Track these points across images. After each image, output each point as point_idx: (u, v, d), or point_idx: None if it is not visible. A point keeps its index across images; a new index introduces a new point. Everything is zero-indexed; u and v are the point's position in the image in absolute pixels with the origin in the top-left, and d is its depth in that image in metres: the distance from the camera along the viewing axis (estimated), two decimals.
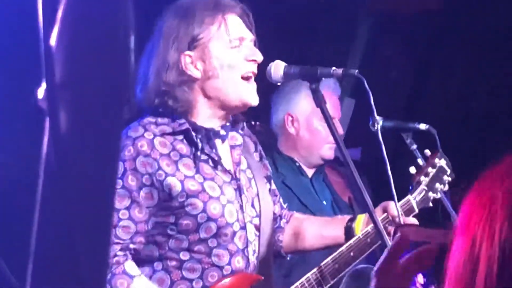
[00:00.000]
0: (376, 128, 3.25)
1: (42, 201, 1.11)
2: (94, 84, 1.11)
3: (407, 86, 5.99)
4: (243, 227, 3.04)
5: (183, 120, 2.99)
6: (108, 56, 1.10)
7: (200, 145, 2.98)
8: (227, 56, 3.00)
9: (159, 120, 2.99)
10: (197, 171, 2.97)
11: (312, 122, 4.29)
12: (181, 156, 2.97)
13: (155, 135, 2.94)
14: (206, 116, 3.03)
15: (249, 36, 3.06)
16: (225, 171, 3.04)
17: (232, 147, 3.12)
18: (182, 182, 2.92)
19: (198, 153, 2.98)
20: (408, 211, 3.44)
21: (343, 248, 3.28)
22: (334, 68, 3.02)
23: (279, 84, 3.13)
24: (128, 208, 2.90)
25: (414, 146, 3.83)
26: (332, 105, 4.29)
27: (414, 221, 3.37)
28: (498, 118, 5.80)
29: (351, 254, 3.27)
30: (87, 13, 1.09)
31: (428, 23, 5.78)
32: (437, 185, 3.57)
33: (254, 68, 3.04)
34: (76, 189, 1.12)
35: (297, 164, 4.31)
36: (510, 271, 1.43)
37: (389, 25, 5.82)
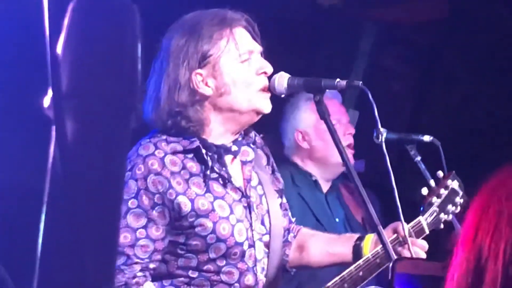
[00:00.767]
0: (380, 140, 3.23)
1: (48, 208, 1.11)
2: (100, 92, 1.10)
3: (411, 98, 5.98)
4: (252, 245, 3.02)
5: (194, 138, 2.96)
6: (114, 64, 1.10)
7: (210, 163, 2.96)
8: (239, 72, 2.97)
9: (170, 138, 2.97)
10: (207, 190, 2.95)
11: (321, 130, 4.27)
12: (191, 174, 2.94)
13: (166, 153, 2.92)
14: (218, 132, 3.01)
15: (257, 48, 3.04)
16: (235, 189, 3.02)
17: (244, 163, 3.09)
18: (192, 201, 2.91)
19: (208, 172, 2.96)
20: (419, 232, 3.41)
21: (352, 267, 3.24)
22: (338, 79, 3.01)
23: (283, 96, 3.11)
24: (145, 227, 2.88)
25: (418, 158, 3.82)
26: (337, 110, 4.27)
27: (424, 243, 3.33)
28: (502, 129, 5.79)
29: (360, 274, 3.23)
30: (94, 22, 1.08)
31: (432, 34, 5.78)
32: (449, 206, 3.54)
33: (266, 81, 3.02)
34: (82, 197, 1.11)
35: (314, 178, 4.29)
36: None
37: (392, 36, 5.82)
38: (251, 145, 3.12)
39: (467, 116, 5.98)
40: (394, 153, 3.27)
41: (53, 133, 1.10)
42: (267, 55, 3.10)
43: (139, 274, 2.88)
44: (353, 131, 4.28)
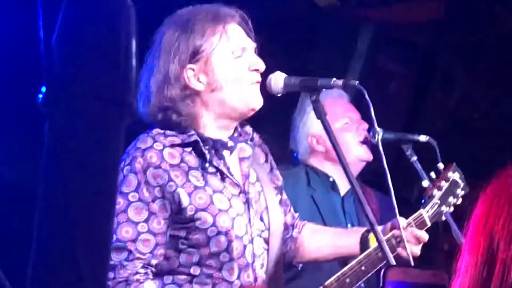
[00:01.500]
0: (376, 139, 3.23)
1: (41, 204, 1.10)
2: (94, 86, 1.09)
3: (407, 98, 5.98)
4: (251, 241, 3.03)
5: (192, 132, 2.97)
6: (109, 58, 1.09)
7: (208, 156, 2.97)
8: (231, 68, 2.97)
9: (168, 131, 2.97)
10: (206, 184, 2.95)
11: (336, 131, 4.23)
12: (190, 168, 2.94)
13: (164, 146, 2.92)
14: (212, 127, 3.00)
15: (251, 45, 3.04)
16: (234, 184, 3.02)
17: (241, 159, 3.09)
18: (190, 194, 2.91)
19: (207, 165, 2.96)
20: (420, 225, 3.40)
21: (353, 262, 3.25)
22: (334, 79, 3.00)
23: (279, 95, 3.11)
24: (146, 221, 2.88)
25: (415, 158, 3.82)
26: (347, 109, 4.25)
27: (425, 235, 3.34)
28: (499, 129, 5.80)
29: (362, 268, 3.24)
30: (88, 15, 1.08)
31: (428, 34, 5.78)
32: (451, 198, 3.53)
33: (258, 77, 3.02)
34: (76, 192, 1.11)
35: (331, 179, 4.23)
36: None
37: (389, 36, 5.82)
38: (248, 142, 3.12)
39: (463, 116, 5.98)
40: (390, 153, 3.27)
41: (47, 128, 1.09)
42: (263, 54, 3.10)
43: (141, 271, 2.88)
44: (366, 126, 4.22)
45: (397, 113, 5.74)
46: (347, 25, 5.65)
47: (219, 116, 3.00)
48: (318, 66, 5.49)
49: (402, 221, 3.28)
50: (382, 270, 1.66)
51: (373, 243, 3.25)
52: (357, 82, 3.02)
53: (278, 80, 3.04)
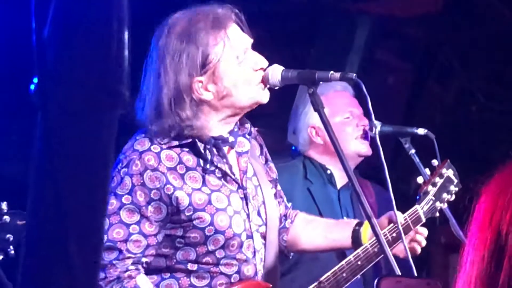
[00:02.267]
0: (374, 132, 3.24)
1: (33, 196, 1.10)
2: (87, 77, 1.09)
3: (405, 91, 5.98)
4: (250, 236, 3.03)
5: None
6: (101, 49, 1.09)
7: (209, 156, 2.96)
8: (238, 73, 2.96)
9: None
10: (204, 184, 2.95)
11: (334, 124, 4.23)
12: (188, 168, 2.94)
13: (161, 148, 2.91)
14: (215, 125, 3.00)
15: (250, 42, 3.03)
16: (232, 180, 3.02)
17: (239, 154, 3.09)
18: (189, 195, 2.91)
19: (208, 166, 2.96)
20: (415, 221, 3.43)
21: (350, 257, 3.27)
22: (332, 72, 3.00)
23: (276, 88, 3.11)
24: (138, 223, 2.88)
25: (413, 151, 3.82)
26: (350, 103, 4.24)
27: (424, 230, 3.36)
28: (497, 123, 5.80)
29: (359, 263, 3.26)
30: (81, 6, 1.07)
31: (427, 28, 5.78)
32: (444, 195, 3.56)
33: (262, 74, 3.02)
34: (68, 183, 1.10)
35: (329, 172, 4.24)
36: None
37: (387, 29, 5.82)
38: (247, 136, 3.12)
39: (462, 109, 5.98)
40: (388, 146, 3.27)
41: (39, 119, 1.09)
42: (262, 48, 3.10)
43: (131, 267, 2.88)
44: (366, 122, 4.22)
45: (395, 107, 5.73)
46: (345, 18, 5.64)
47: (225, 115, 3.00)
48: (316, 59, 5.49)
49: (399, 215, 3.29)
50: (376, 280, 1.65)
51: (364, 237, 3.27)
52: (354, 75, 3.01)
53: (275, 73, 3.04)
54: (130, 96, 1.15)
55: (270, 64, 3.07)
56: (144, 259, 2.90)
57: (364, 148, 4.17)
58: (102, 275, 2.84)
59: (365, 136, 4.20)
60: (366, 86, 2.99)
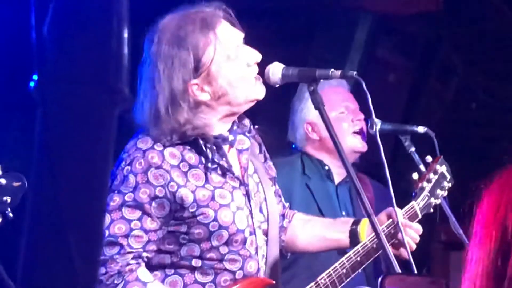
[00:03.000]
0: (374, 130, 3.24)
1: (33, 193, 1.10)
2: (86, 74, 1.09)
3: (406, 89, 5.98)
4: (253, 233, 3.04)
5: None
6: (101, 46, 1.09)
7: (210, 155, 2.97)
8: (232, 71, 2.96)
9: None
10: (207, 181, 2.96)
11: (330, 118, 4.22)
12: (190, 166, 2.95)
13: (165, 146, 2.92)
14: (214, 123, 3.01)
15: (241, 37, 3.04)
16: (234, 177, 3.03)
17: (240, 151, 3.10)
18: (193, 192, 2.92)
19: (209, 164, 2.97)
20: (412, 217, 3.45)
21: (350, 253, 3.28)
22: (332, 69, 3.00)
23: (277, 86, 3.11)
24: (140, 219, 2.89)
25: (412, 149, 3.83)
26: (343, 98, 4.25)
27: (419, 227, 3.37)
28: (496, 120, 5.80)
29: (358, 259, 3.27)
30: (80, 3, 1.07)
31: (427, 25, 5.78)
32: (438, 191, 3.59)
33: (256, 69, 3.03)
34: (68, 182, 1.10)
35: (327, 167, 4.24)
36: None
37: (388, 27, 5.81)
38: (246, 134, 3.12)
39: (462, 107, 5.98)
40: (388, 144, 3.28)
41: (39, 116, 1.09)
42: (262, 46, 3.10)
43: (132, 261, 2.89)
44: (362, 116, 4.22)
45: (395, 104, 5.73)
46: (345, 16, 5.64)
47: (224, 115, 3.01)
48: (316, 57, 5.49)
49: (399, 212, 3.30)
50: (380, 278, 1.65)
51: (362, 236, 3.28)
52: (355, 72, 3.02)
53: (276, 70, 3.05)
54: (130, 92, 1.15)
55: (270, 62, 3.08)
56: (145, 254, 2.91)
57: (359, 144, 4.18)
58: (103, 270, 2.85)
59: (360, 131, 4.21)
60: (366, 83, 2.99)
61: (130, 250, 2.88)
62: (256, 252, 3.05)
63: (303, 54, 5.43)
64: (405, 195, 3.55)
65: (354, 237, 3.29)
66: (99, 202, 1.15)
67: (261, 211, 3.11)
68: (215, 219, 2.93)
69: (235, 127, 3.09)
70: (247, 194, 3.06)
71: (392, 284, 1.57)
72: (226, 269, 2.98)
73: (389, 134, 3.82)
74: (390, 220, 3.32)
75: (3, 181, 2.95)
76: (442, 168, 3.62)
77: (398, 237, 3.28)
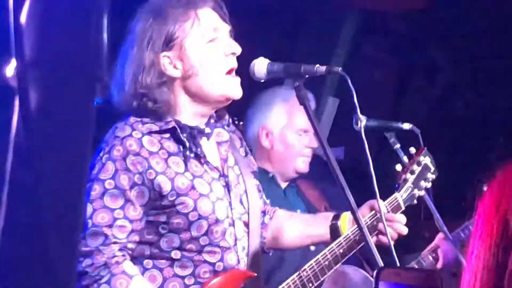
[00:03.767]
0: (359, 127, 3.24)
1: (10, 180, 1.09)
2: (65, 63, 1.08)
3: (391, 86, 5.99)
4: (232, 224, 3.05)
5: (169, 118, 2.99)
6: (79, 35, 1.08)
7: (187, 144, 2.97)
8: (205, 52, 2.99)
9: (145, 119, 2.98)
10: (186, 169, 2.97)
11: (286, 136, 4.28)
12: (170, 154, 2.96)
13: (143, 134, 2.94)
14: (189, 114, 3.03)
15: (224, 27, 3.05)
16: (213, 168, 3.04)
17: (219, 143, 3.12)
18: (172, 180, 2.92)
19: (187, 152, 2.97)
20: (395, 209, 3.47)
21: (333, 245, 3.29)
22: (318, 65, 3.00)
23: (262, 81, 3.11)
24: (122, 208, 2.89)
25: (397, 146, 3.83)
26: (307, 121, 4.28)
27: (402, 218, 3.38)
28: (482, 118, 5.81)
29: (341, 251, 3.29)
30: None
31: (413, 23, 5.78)
32: (422, 182, 3.60)
33: (234, 61, 3.04)
34: (46, 168, 1.09)
35: (271, 175, 4.29)
36: None
37: (374, 24, 5.81)
38: (225, 128, 3.15)
39: (447, 104, 5.99)
40: (373, 141, 3.27)
41: (16, 103, 1.08)
42: (248, 41, 3.10)
43: (118, 253, 2.88)
44: (316, 145, 4.30)
45: (381, 101, 5.74)
46: (332, 12, 5.63)
47: (196, 103, 3.02)
48: (302, 53, 5.49)
49: (382, 204, 3.30)
50: (375, 271, 1.66)
51: (343, 230, 3.31)
52: (340, 69, 3.01)
53: (261, 66, 3.04)
54: (110, 80, 1.14)
55: (256, 57, 3.07)
56: (130, 245, 2.91)
57: (305, 169, 4.24)
58: (88, 261, 2.85)
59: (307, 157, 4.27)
60: (352, 80, 2.99)
61: (115, 240, 2.87)
62: (235, 244, 3.05)
63: (289, 50, 5.43)
64: (390, 192, 3.55)
65: (335, 232, 3.31)
66: (78, 190, 1.14)
67: (241, 202, 3.12)
68: (194, 209, 2.93)
69: (212, 121, 3.10)
70: (227, 186, 3.07)
71: (388, 277, 1.57)
72: (205, 261, 2.98)
73: (374, 131, 3.82)
74: (373, 212, 3.34)
75: None
76: (426, 160, 3.64)
77: (380, 228, 3.31)
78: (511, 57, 5.51)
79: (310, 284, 3.22)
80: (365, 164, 3.04)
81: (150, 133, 2.95)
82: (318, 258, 3.26)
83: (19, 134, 1.05)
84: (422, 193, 3.60)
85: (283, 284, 3.20)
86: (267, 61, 3.05)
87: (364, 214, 3.30)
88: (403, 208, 3.50)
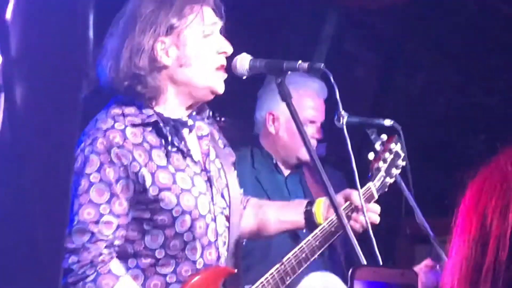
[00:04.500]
0: (341, 123, 3.24)
1: None
2: (51, 58, 1.07)
3: (373, 83, 6.00)
4: (213, 219, 3.05)
5: (151, 112, 2.99)
6: (66, 30, 1.07)
7: (170, 137, 2.97)
8: (201, 46, 3.01)
9: (126, 111, 2.97)
10: (168, 163, 2.97)
11: (291, 124, 4.27)
12: (152, 147, 2.96)
13: (125, 126, 2.93)
14: (173, 104, 3.03)
15: (219, 24, 3.07)
16: (195, 162, 3.04)
17: (200, 137, 3.13)
18: (153, 174, 2.92)
19: (169, 147, 2.97)
20: (369, 198, 3.51)
21: (309, 237, 3.31)
22: (300, 62, 3.00)
23: (244, 77, 3.11)
24: (108, 202, 2.87)
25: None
26: (316, 108, 4.31)
27: (377, 207, 3.40)
28: (463, 115, 5.83)
29: (317, 243, 3.31)
30: None
31: (394, 20, 5.79)
32: (393, 170, 3.63)
33: (224, 60, 3.06)
34: (32, 163, 1.09)
35: (275, 161, 4.30)
36: None
37: (355, 21, 5.82)
38: (205, 121, 3.16)
39: (428, 100, 6.01)
40: (355, 137, 3.28)
41: (2, 99, 1.07)
42: (230, 36, 3.10)
43: (105, 251, 2.86)
44: (319, 136, 4.31)
45: (362, 97, 5.75)
46: (314, 8, 5.64)
47: (182, 94, 3.03)
48: (284, 49, 5.49)
49: (356, 194, 3.32)
50: (350, 270, 1.65)
51: (318, 216, 3.33)
52: (322, 65, 3.01)
53: (243, 62, 3.05)
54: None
55: (238, 53, 3.07)
56: (116, 242, 2.89)
57: (307, 159, 4.25)
58: (74, 258, 2.83)
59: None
60: (334, 76, 2.99)
61: (101, 237, 2.86)
62: (216, 240, 3.05)
63: (271, 46, 5.42)
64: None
65: (309, 218, 3.33)
66: (64, 182, 1.13)
67: (223, 197, 3.12)
68: (178, 204, 2.93)
69: (194, 113, 3.11)
70: (209, 180, 3.07)
71: (363, 276, 1.56)
72: (187, 259, 2.98)
73: (356, 127, 3.82)
74: (348, 202, 3.37)
75: None
76: (397, 147, 3.66)
77: (354, 218, 3.35)
78: (493, 53, 5.54)
79: (288, 277, 3.23)
80: (347, 161, 3.04)
81: (132, 125, 2.95)
82: (296, 251, 3.28)
83: (5, 130, 1.05)
84: (393, 180, 3.62)
85: (262, 279, 3.21)
86: (249, 57, 3.06)
87: (339, 204, 3.32)
88: (376, 197, 3.53)
